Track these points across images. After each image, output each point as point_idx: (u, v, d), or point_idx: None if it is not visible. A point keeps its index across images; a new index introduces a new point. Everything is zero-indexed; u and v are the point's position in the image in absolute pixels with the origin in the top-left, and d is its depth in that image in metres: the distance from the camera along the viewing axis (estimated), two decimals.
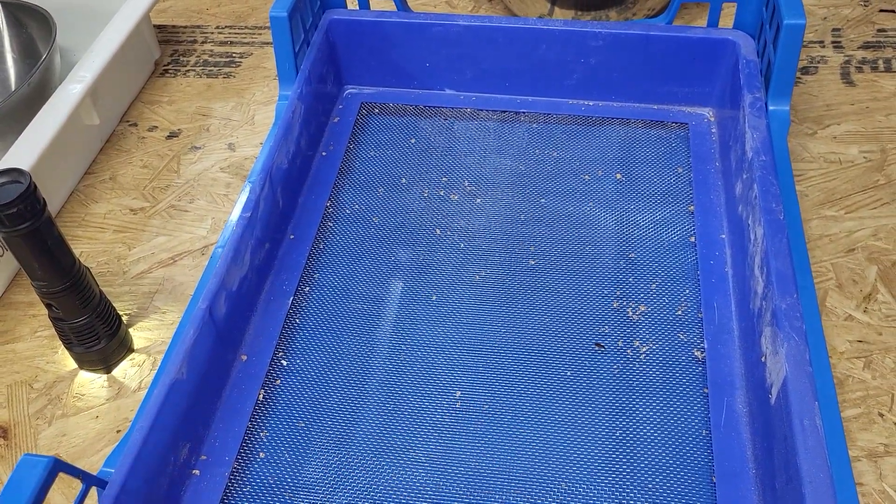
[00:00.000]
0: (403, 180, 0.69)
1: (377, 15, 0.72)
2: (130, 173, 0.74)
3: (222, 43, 0.88)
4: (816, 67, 0.78)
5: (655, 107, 0.73)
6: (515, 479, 0.50)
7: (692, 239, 0.62)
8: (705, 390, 0.53)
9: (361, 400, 0.54)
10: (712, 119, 0.71)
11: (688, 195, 0.66)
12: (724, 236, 0.62)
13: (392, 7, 0.75)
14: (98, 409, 0.57)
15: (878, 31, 0.81)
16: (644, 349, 0.56)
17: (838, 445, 0.45)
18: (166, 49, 0.88)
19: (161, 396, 0.46)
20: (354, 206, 0.67)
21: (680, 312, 0.58)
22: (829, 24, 0.83)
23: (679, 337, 0.56)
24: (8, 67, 0.80)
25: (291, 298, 0.60)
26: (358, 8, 0.75)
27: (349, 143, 0.72)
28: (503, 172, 0.69)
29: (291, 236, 0.64)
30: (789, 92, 0.62)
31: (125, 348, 0.59)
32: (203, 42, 0.89)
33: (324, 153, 0.71)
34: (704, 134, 0.70)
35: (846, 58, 0.79)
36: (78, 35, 0.82)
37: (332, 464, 0.51)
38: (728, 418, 0.51)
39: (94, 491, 0.44)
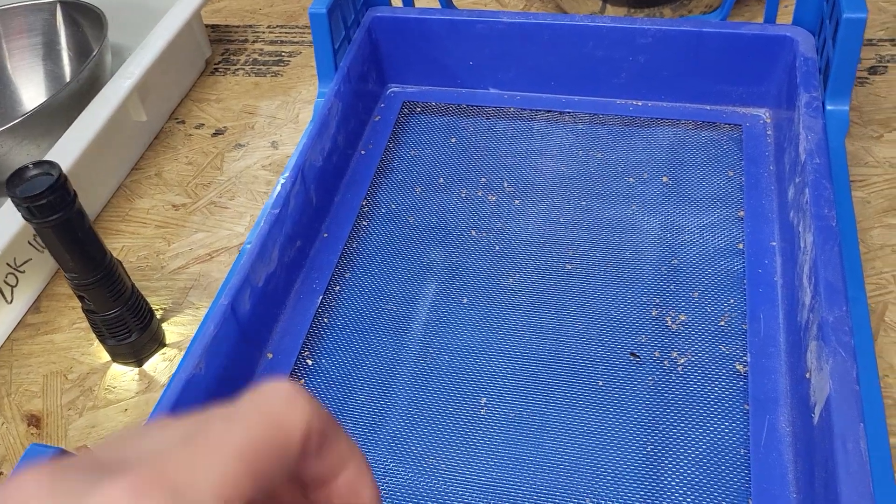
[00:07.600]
0: (441, 180, 0.67)
1: (420, 12, 0.71)
2: (175, 169, 0.75)
3: (272, 42, 0.89)
4: (886, 67, 0.73)
5: (708, 107, 0.69)
6: (541, 490, 0.48)
7: (740, 246, 0.59)
8: (746, 406, 0.50)
9: (386, 402, 0.53)
10: (769, 120, 0.67)
11: (738, 200, 0.62)
12: (774, 243, 0.58)
13: (436, 4, 0.74)
14: (127, 403, 0.57)
15: None
16: (682, 360, 0.53)
17: (885, 472, 0.42)
18: (218, 48, 0.89)
19: (177, 391, 0.46)
20: (391, 205, 0.66)
21: (723, 323, 0.55)
22: None
23: (720, 349, 0.53)
24: (64, 65, 0.82)
25: (321, 297, 0.59)
26: (402, 5, 0.74)
27: (389, 141, 0.71)
28: (545, 174, 0.67)
29: (325, 234, 0.63)
30: (849, 91, 0.59)
31: (157, 342, 0.59)
32: (254, 41, 0.89)
33: (363, 151, 0.70)
34: (759, 136, 0.67)
35: None
36: (130, 33, 0.83)
37: None
38: (769, 437, 0.48)
39: None
